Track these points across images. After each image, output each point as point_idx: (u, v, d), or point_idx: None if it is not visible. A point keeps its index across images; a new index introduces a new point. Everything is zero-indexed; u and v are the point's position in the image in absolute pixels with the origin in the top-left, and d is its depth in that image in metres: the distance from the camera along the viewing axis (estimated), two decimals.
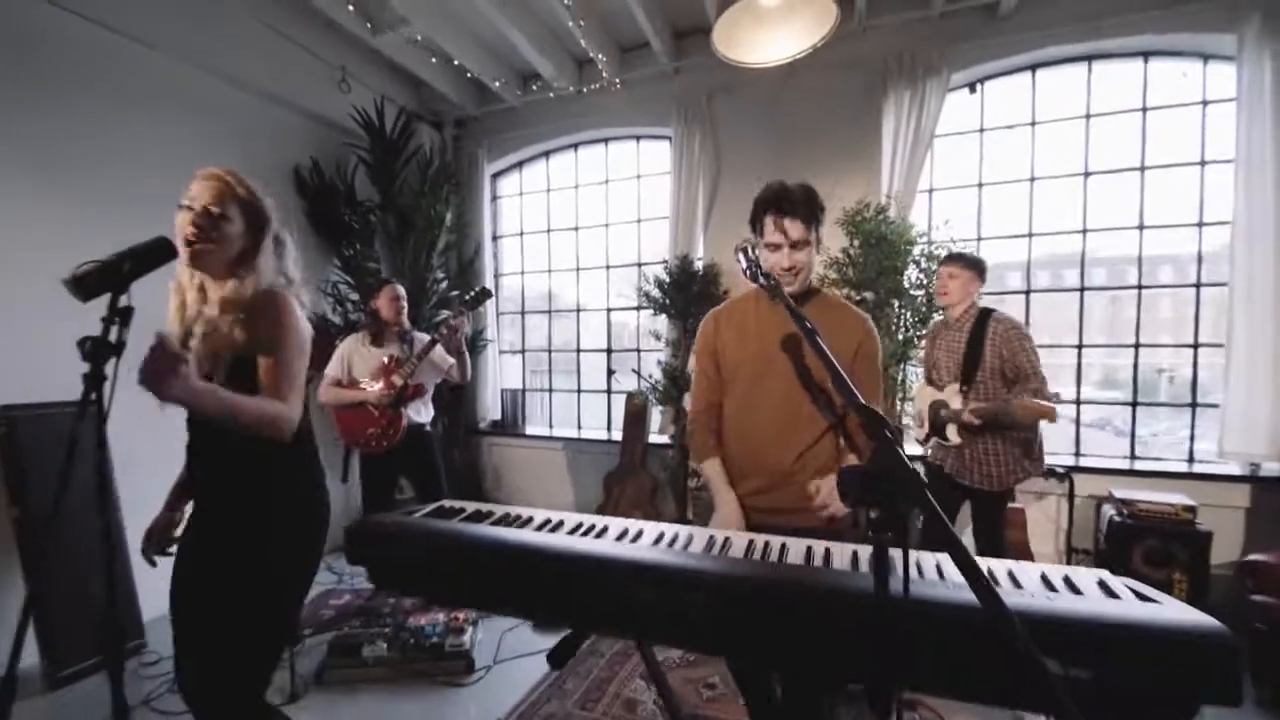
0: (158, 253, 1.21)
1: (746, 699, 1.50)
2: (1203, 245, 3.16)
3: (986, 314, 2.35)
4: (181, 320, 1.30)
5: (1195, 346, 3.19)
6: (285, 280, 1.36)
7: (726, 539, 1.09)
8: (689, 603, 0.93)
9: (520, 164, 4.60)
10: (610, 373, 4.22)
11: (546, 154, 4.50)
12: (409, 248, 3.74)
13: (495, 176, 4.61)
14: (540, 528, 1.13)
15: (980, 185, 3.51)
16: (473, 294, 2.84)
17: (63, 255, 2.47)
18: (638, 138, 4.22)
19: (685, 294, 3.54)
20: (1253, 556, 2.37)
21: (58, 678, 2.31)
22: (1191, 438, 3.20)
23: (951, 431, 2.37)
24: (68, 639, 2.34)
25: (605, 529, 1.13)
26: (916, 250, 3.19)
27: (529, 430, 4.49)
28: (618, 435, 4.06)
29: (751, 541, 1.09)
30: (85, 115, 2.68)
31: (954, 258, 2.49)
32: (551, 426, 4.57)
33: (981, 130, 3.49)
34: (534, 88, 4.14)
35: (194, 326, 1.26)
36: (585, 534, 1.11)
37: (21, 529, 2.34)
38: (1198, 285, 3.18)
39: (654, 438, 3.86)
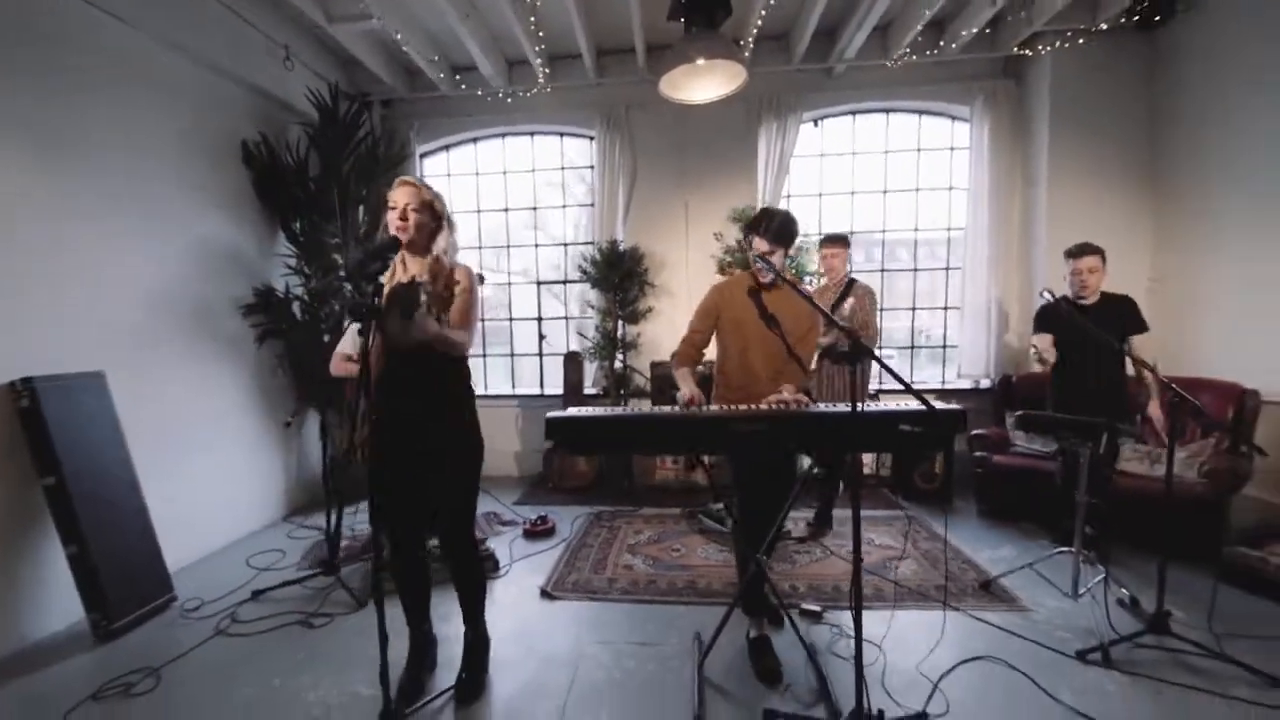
0: (393, 247, 1.80)
1: (741, 491, 2.30)
2: (950, 241, 4.84)
3: (852, 281, 3.43)
4: (390, 280, 1.91)
5: (946, 309, 4.90)
6: (453, 250, 2.01)
7: (755, 406, 2.02)
8: (755, 428, 1.85)
9: (448, 146, 4.96)
10: (541, 338, 4.88)
11: (475, 139, 4.94)
12: (361, 223, 4.01)
13: (423, 156, 4.91)
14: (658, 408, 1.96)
15: (820, 195, 4.86)
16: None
17: (36, 224, 2.56)
18: (562, 134, 4.88)
19: (616, 270, 4.38)
20: (975, 431, 3.98)
21: (110, 630, 2.46)
22: (944, 367, 4.92)
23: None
24: (116, 594, 2.51)
25: (690, 409, 1.99)
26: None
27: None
28: (550, 391, 4.80)
29: (767, 405, 2.04)
30: (51, 87, 2.63)
31: (833, 240, 3.40)
32: (486, 387, 5.12)
33: (822, 155, 4.82)
34: (464, 80, 4.56)
35: (423, 281, 1.85)
36: (686, 410, 1.96)
37: (56, 496, 2.42)
38: (947, 269, 4.88)
39: (588, 390, 4.66)
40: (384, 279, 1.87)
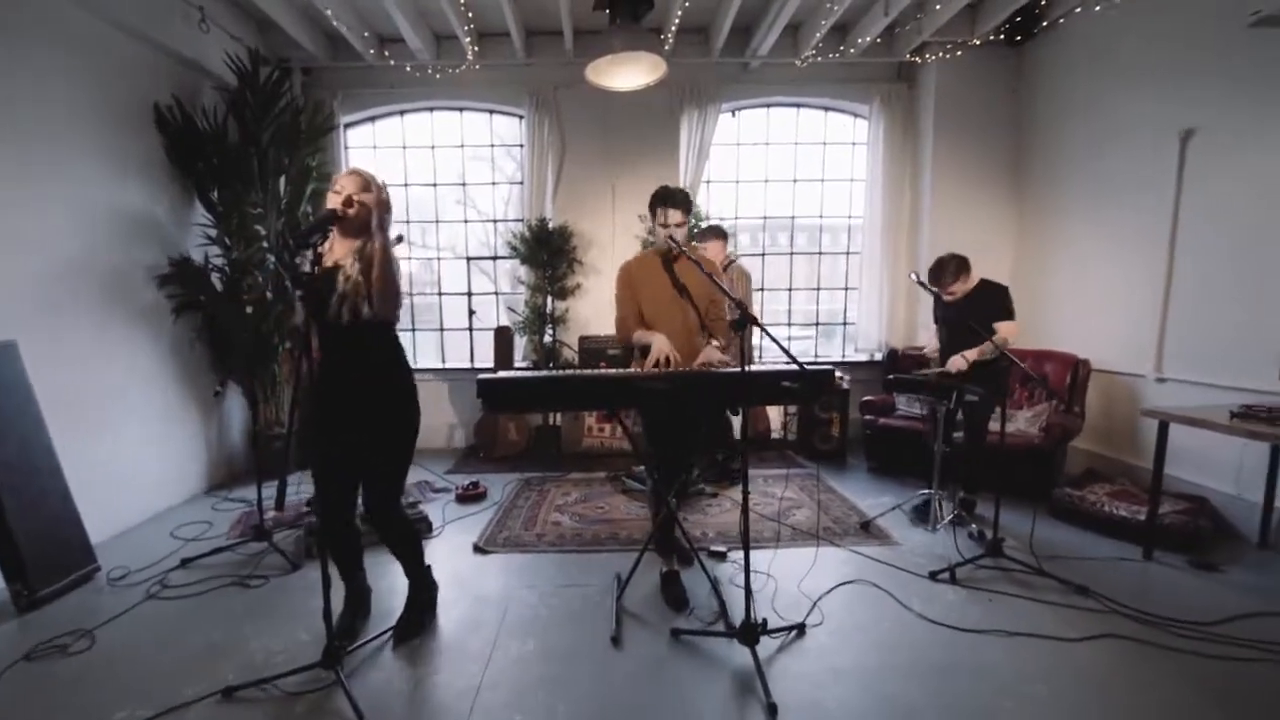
0: (330, 219, 1.92)
1: (653, 443, 2.56)
2: (851, 228, 5.34)
3: (731, 263, 3.85)
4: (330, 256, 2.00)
5: (846, 289, 5.42)
6: (385, 231, 2.09)
7: (671, 369, 2.32)
8: (659, 389, 2.14)
9: (373, 118, 4.90)
10: (471, 313, 4.98)
11: (401, 112, 4.90)
12: (283, 193, 3.95)
13: (347, 127, 4.83)
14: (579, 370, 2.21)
15: (738, 182, 5.21)
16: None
17: None
18: (491, 111, 4.94)
19: (546, 248, 4.55)
20: (865, 398, 4.50)
21: (33, 599, 2.44)
22: (844, 342, 5.46)
23: None
24: (36, 563, 2.49)
25: (611, 372, 2.26)
26: (703, 224, 4.73)
27: None
28: (480, 364, 4.93)
29: (678, 369, 2.34)
30: None
31: (710, 232, 3.78)
32: (416, 361, 5.16)
33: (738, 144, 5.16)
34: (390, 52, 4.51)
35: (345, 263, 1.98)
36: (608, 371, 2.22)
37: None
38: (847, 253, 5.38)
39: (518, 364, 4.83)
40: (323, 250, 1.98)
